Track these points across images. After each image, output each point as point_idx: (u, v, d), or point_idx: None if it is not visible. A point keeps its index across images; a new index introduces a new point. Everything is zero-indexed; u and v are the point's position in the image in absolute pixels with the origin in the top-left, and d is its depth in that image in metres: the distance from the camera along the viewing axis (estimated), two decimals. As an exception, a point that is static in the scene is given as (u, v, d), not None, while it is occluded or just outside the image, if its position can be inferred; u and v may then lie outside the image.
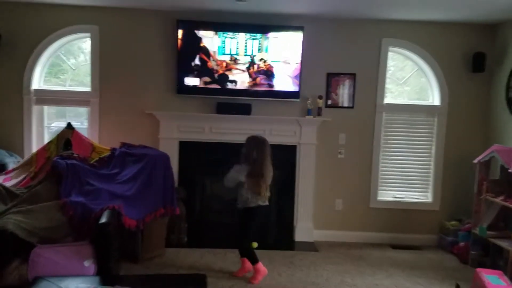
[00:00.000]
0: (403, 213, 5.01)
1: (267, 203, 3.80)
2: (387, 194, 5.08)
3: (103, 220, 3.16)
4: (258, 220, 3.85)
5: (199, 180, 4.98)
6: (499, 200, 4.07)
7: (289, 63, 4.71)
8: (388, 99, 5.03)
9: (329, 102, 4.93)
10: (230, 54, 4.68)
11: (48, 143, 4.22)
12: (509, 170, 3.82)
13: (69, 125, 4.27)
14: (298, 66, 4.71)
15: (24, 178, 3.90)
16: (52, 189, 3.52)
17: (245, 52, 4.68)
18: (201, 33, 4.64)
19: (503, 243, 3.94)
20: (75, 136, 4.19)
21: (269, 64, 4.70)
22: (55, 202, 3.37)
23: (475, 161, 4.38)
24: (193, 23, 4.66)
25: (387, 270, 4.19)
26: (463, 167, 4.85)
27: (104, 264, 3.08)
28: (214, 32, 4.64)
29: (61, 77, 4.96)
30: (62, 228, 3.26)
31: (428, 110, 5.02)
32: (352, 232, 5.04)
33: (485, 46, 4.80)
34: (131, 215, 3.58)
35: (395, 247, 4.89)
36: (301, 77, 4.74)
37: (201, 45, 4.65)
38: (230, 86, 4.73)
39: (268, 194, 3.78)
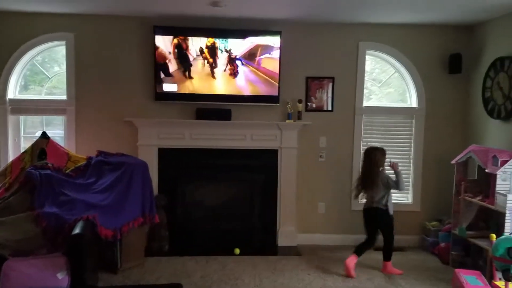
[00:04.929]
0: (385, 215, 5.01)
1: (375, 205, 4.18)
2: (369, 197, 5.07)
3: (76, 231, 3.11)
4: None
5: (180, 186, 4.91)
6: (476, 200, 4.08)
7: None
8: (373, 102, 5.07)
9: (309, 105, 4.94)
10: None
11: (23, 153, 4.16)
12: (486, 170, 3.83)
13: (44, 134, 4.20)
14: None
15: (-2, 189, 3.83)
16: (25, 200, 3.46)
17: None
18: (177, 39, 4.62)
19: (482, 243, 3.93)
20: (50, 146, 4.13)
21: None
22: (28, 214, 3.32)
23: (453, 161, 4.40)
24: (170, 29, 4.63)
25: (369, 272, 4.19)
26: (442, 167, 4.88)
27: (79, 276, 3.03)
28: (191, 37, 4.62)
29: (45, 85, 4.88)
30: (35, 239, 3.21)
31: (406, 112, 5.05)
32: (335, 235, 5.03)
33: (461, 47, 4.84)
34: (107, 225, 3.53)
35: (377, 249, 4.86)
36: (280, 81, 4.74)
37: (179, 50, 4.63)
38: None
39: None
